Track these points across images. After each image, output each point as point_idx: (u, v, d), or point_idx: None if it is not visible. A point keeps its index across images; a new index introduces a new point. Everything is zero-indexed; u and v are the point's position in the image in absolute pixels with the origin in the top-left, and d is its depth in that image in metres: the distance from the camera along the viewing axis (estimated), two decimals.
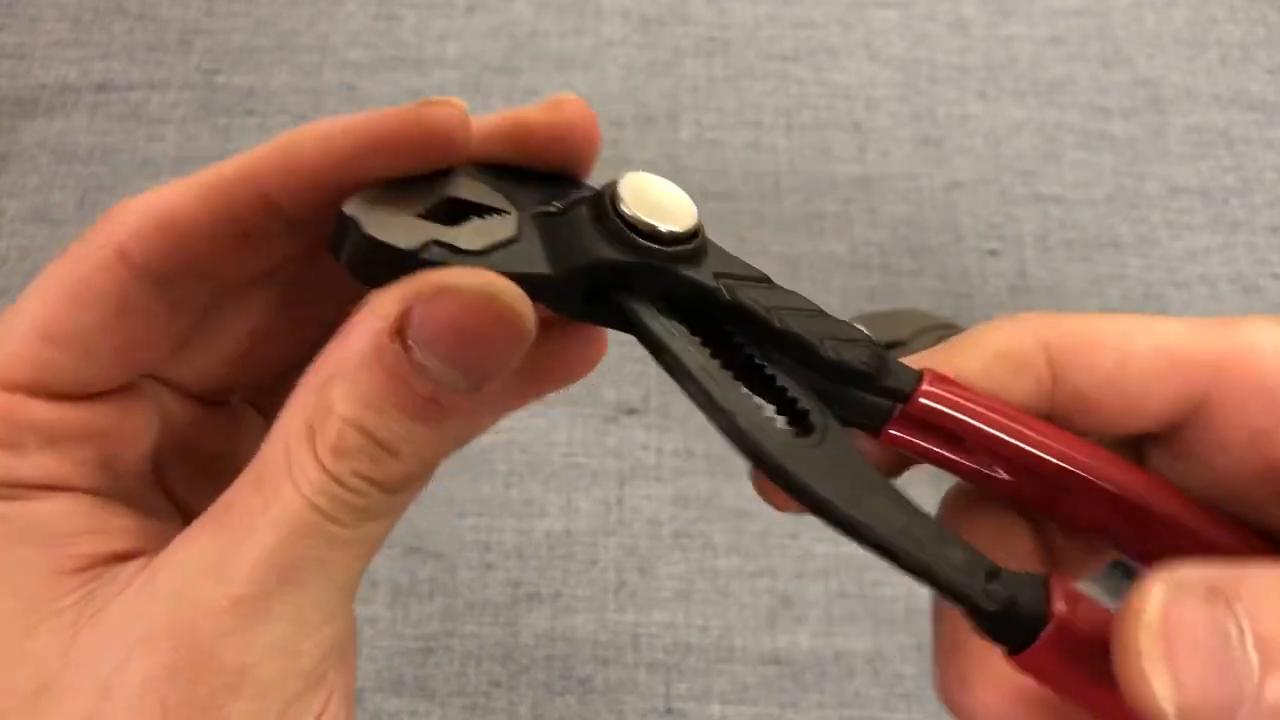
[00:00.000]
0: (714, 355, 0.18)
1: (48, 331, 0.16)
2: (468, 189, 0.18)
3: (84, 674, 0.15)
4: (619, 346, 0.42)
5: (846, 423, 0.18)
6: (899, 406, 0.18)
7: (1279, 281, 0.43)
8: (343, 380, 0.15)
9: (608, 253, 0.18)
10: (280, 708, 0.15)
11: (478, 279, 0.15)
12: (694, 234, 0.18)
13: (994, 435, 0.18)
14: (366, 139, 0.16)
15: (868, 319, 0.40)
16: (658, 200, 0.18)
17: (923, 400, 0.18)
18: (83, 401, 0.17)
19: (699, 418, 0.41)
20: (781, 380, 0.18)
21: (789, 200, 0.43)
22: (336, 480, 0.15)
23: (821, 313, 0.19)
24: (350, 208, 0.17)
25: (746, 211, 0.43)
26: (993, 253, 0.43)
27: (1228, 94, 0.47)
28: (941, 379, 0.18)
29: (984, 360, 0.18)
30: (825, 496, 0.17)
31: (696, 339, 0.18)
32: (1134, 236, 0.43)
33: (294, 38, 0.47)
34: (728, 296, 0.18)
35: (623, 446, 0.38)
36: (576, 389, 0.39)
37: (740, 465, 0.38)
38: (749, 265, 0.19)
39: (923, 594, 0.36)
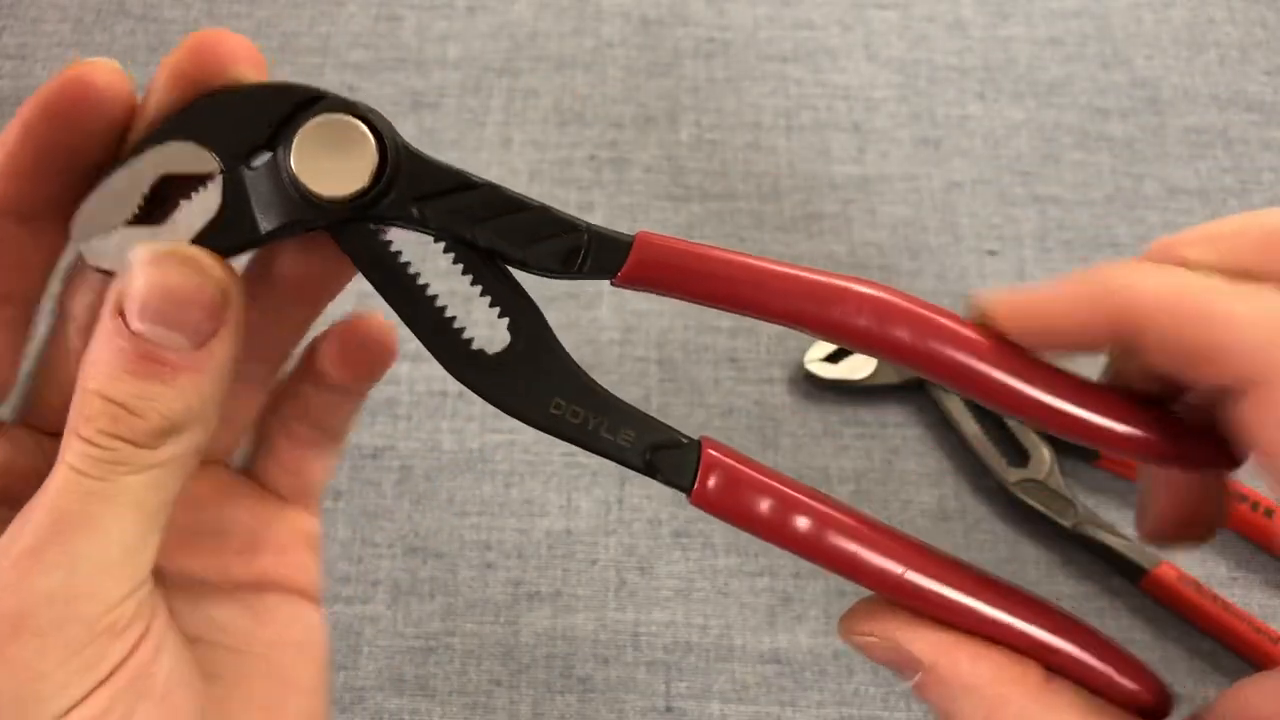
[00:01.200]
0: (400, 285, 0.21)
1: None
2: (177, 157, 0.19)
3: None
4: (619, 347, 0.42)
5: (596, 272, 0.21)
6: (613, 276, 0.21)
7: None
8: (89, 363, 0.18)
9: (286, 212, 0.19)
10: (62, 652, 0.17)
11: (161, 249, 0.18)
12: (368, 189, 0.20)
13: (699, 284, 0.21)
14: (32, 136, 0.19)
15: None
16: (326, 161, 0.19)
17: (629, 271, 0.21)
18: None
19: (700, 417, 0.41)
20: (494, 295, 0.21)
21: (788, 200, 0.44)
22: (87, 441, 0.17)
23: (519, 206, 0.21)
24: (75, 232, 0.19)
25: (746, 212, 0.43)
26: (992, 253, 0.43)
27: (1226, 95, 0.47)
28: (653, 248, 0.21)
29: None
30: (512, 406, 0.21)
31: (403, 264, 0.21)
32: (1132, 237, 0.43)
33: (295, 39, 0.47)
34: (427, 225, 0.20)
35: None
36: None
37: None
38: (450, 172, 0.20)
39: None
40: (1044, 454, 0.37)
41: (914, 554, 0.21)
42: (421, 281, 0.21)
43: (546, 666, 0.34)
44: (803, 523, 0.21)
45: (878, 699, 0.34)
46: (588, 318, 0.40)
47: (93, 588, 0.18)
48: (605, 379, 0.40)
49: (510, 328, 0.21)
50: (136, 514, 0.18)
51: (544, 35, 0.47)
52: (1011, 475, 0.37)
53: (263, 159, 0.20)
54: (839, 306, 0.20)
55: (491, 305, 0.21)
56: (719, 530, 0.37)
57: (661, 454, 0.21)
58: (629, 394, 0.39)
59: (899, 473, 0.38)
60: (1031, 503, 0.37)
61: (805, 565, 0.36)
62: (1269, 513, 0.36)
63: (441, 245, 0.21)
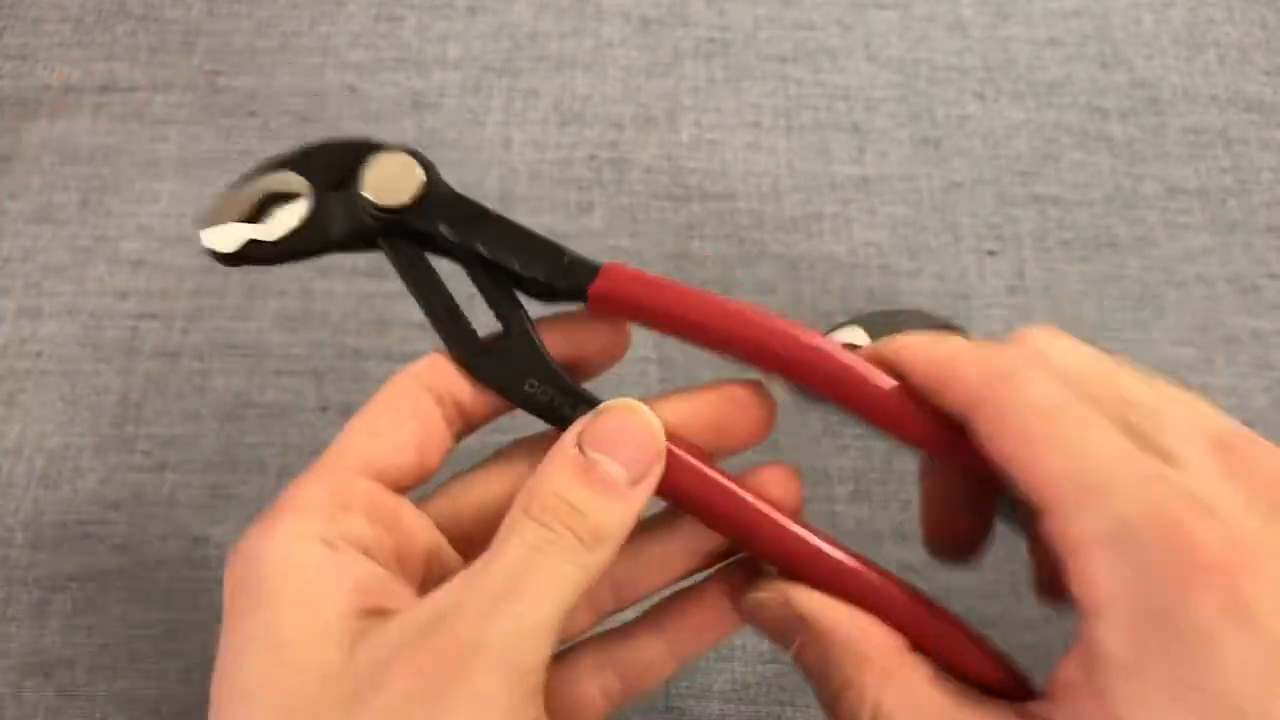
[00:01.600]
0: (431, 285, 0.27)
1: (372, 428, 0.25)
2: (280, 181, 0.27)
3: (359, 668, 0.21)
4: None
5: (571, 296, 0.27)
6: (585, 298, 0.26)
7: (1276, 281, 0.43)
8: (545, 474, 0.23)
9: (352, 223, 0.27)
10: (514, 679, 0.21)
11: (618, 403, 0.25)
12: (413, 204, 0.26)
13: (662, 319, 0.26)
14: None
15: (867, 319, 0.40)
16: (386, 181, 0.26)
17: (594, 297, 0.26)
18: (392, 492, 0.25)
19: None
20: (490, 298, 0.27)
21: (788, 200, 0.44)
22: (545, 526, 0.22)
23: (529, 236, 0.27)
24: (198, 223, 0.27)
25: (746, 212, 0.43)
26: (991, 253, 0.43)
27: (1225, 95, 0.47)
28: (616, 273, 0.26)
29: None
30: (496, 381, 0.26)
31: (433, 270, 0.27)
32: (1132, 237, 0.43)
33: (296, 39, 0.47)
34: (449, 238, 0.26)
35: None
36: None
37: (739, 465, 0.38)
38: (476, 205, 0.27)
39: (922, 591, 0.37)
40: None
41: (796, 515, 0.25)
42: (440, 285, 0.27)
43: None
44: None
45: None
46: None
47: (530, 645, 0.21)
48: (605, 379, 0.40)
49: (501, 322, 0.26)
50: (563, 597, 0.22)
51: (544, 35, 0.47)
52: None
53: (341, 190, 0.27)
54: (772, 350, 0.26)
55: (490, 305, 0.26)
56: None
57: None
58: (629, 394, 0.39)
59: (899, 472, 0.38)
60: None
61: None
62: None
63: (459, 265, 0.27)
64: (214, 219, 0.27)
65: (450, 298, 0.26)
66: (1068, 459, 0.22)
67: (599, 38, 0.48)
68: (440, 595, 0.22)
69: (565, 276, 0.26)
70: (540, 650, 0.21)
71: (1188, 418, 0.23)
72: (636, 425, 0.24)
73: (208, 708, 0.21)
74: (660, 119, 0.45)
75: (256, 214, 0.27)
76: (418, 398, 0.25)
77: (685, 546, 0.27)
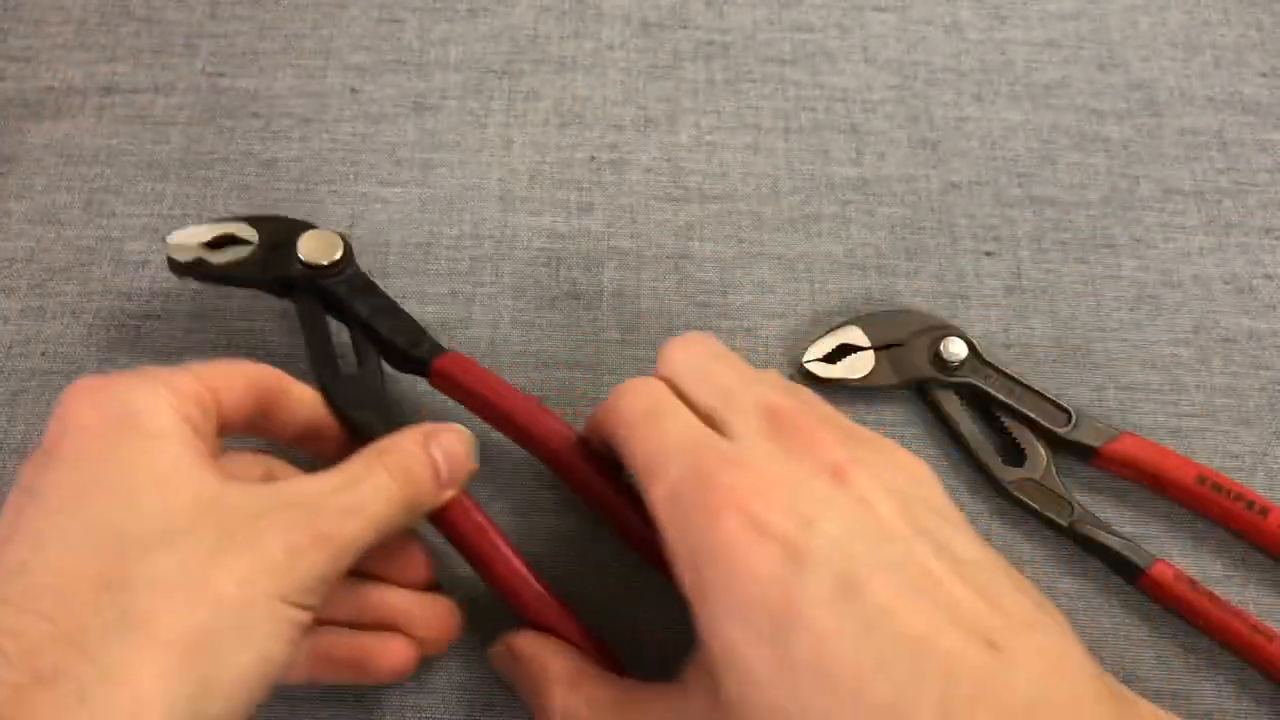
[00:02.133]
0: (320, 330, 0.35)
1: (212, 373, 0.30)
2: (238, 229, 0.37)
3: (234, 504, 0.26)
4: (621, 348, 0.42)
5: (415, 368, 0.36)
6: (429, 371, 0.35)
7: (1272, 282, 0.43)
8: (402, 439, 0.31)
9: (279, 272, 0.36)
10: (329, 553, 0.27)
11: (460, 432, 0.32)
12: (330, 265, 0.36)
13: (482, 405, 0.35)
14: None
15: (865, 319, 0.40)
16: (316, 246, 0.36)
17: (434, 374, 0.35)
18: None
19: None
20: (361, 344, 0.35)
21: (787, 201, 0.44)
22: (385, 469, 0.29)
23: (401, 315, 0.36)
24: (167, 244, 0.37)
25: (745, 213, 0.44)
26: (989, 254, 0.43)
27: (1222, 96, 0.48)
28: (454, 362, 0.35)
29: None
30: (340, 407, 0.33)
31: (328, 316, 0.36)
32: (1128, 238, 0.44)
33: (298, 41, 0.47)
34: (342, 299, 0.36)
35: None
36: (576, 392, 0.39)
37: None
38: (371, 282, 0.36)
39: None
40: (1040, 453, 0.38)
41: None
42: (326, 332, 0.35)
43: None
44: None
45: None
46: (588, 318, 0.41)
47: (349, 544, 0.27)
48: (605, 379, 0.40)
49: (359, 367, 0.35)
50: (379, 516, 0.28)
51: (544, 38, 0.48)
52: (1008, 474, 0.37)
53: (278, 249, 0.36)
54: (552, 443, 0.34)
55: (355, 353, 0.35)
56: None
57: None
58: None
59: None
60: (1028, 501, 0.37)
61: None
62: (1264, 511, 0.36)
63: (343, 324, 0.36)
64: (179, 243, 0.36)
65: (330, 342, 0.35)
66: (647, 446, 0.29)
67: (599, 40, 0.48)
68: (299, 480, 0.29)
69: (419, 350, 0.35)
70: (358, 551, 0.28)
71: (754, 395, 0.29)
72: (466, 448, 0.32)
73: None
74: (660, 120, 0.46)
75: (213, 245, 0.37)
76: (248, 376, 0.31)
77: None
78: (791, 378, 0.39)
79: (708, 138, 0.45)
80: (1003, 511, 0.38)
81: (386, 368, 0.36)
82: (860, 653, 0.23)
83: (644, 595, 0.36)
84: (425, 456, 0.30)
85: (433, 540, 0.33)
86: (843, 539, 0.25)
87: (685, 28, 0.48)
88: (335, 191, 0.43)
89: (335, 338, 0.35)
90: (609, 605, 0.35)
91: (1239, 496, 0.36)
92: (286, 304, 0.37)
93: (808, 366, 0.39)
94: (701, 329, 0.41)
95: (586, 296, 0.41)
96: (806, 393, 0.31)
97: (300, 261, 0.35)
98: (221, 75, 0.46)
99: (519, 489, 0.37)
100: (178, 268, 0.36)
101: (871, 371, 0.39)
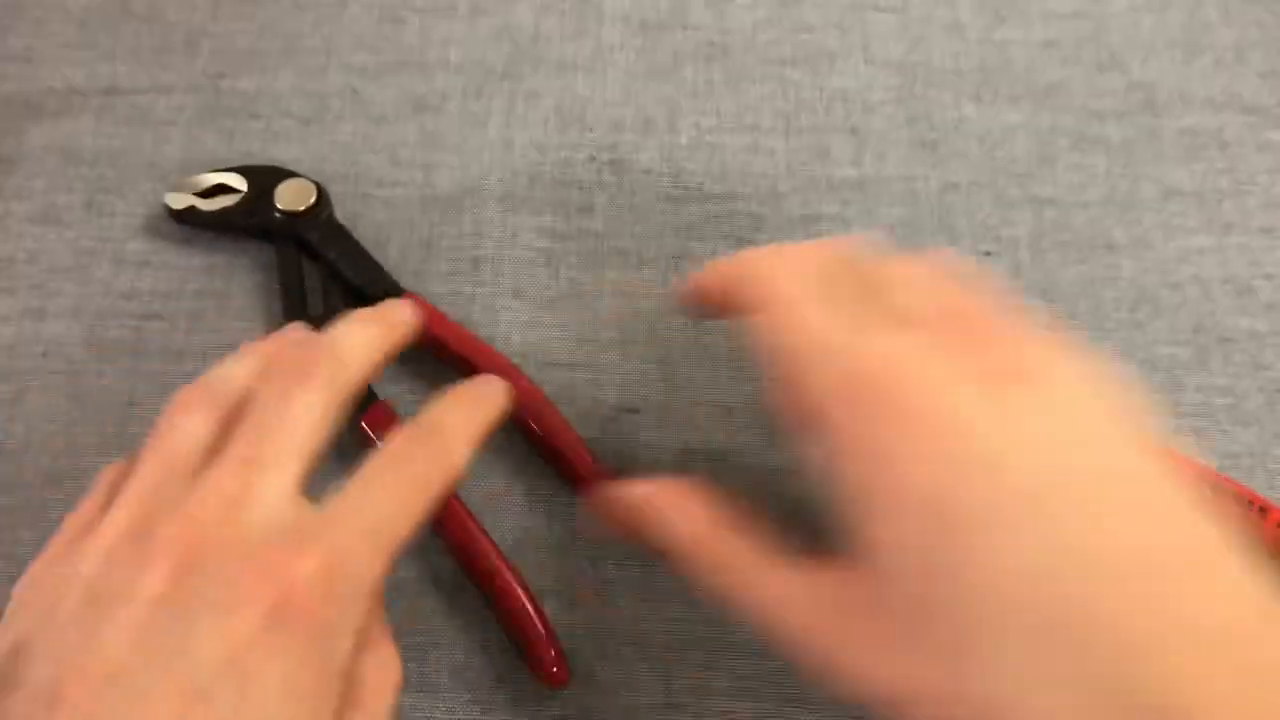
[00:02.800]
0: (292, 273, 0.40)
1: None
2: (229, 178, 0.41)
3: None
4: (620, 347, 0.42)
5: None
6: None
7: (1271, 282, 0.43)
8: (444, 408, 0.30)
9: (262, 217, 0.40)
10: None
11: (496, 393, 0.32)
12: (305, 211, 0.40)
13: (437, 346, 0.38)
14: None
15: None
16: (292, 195, 0.40)
17: None
18: None
19: (699, 417, 0.41)
20: (328, 287, 0.40)
21: (787, 202, 0.44)
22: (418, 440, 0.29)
23: (368, 259, 0.40)
24: (167, 194, 0.41)
25: (745, 213, 0.44)
26: (988, 254, 0.43)
27: (1221, 97, 0.48)
28: (413, 301, 0.38)
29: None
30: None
31: (300, 267, 0.40)
32: (1128, 238, 0.44)
33: (299, 41, 0.47)
34: (314, 244, 0.40)
35: (623, 446, 0.38)
36: (576, 390, 0.39)
37: (738, 464, 0.39)
38: (344, 229, 0.41)
39: None
40: None
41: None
42: (300, 277, 0.40)
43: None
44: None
45: None
46: (588, 318, 0.41)
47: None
48: (605, 379, 0.40)
49: (325, 307, 0.39)
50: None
51: (545, 38, 0.48)
52: None
53: (264, 197, 0.41)
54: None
55: (323, 295, 0.39)
56: None
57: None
58: (629, 394, 0.39)
59: None
60: None
61: None
62: (1264, 511, 0.36)
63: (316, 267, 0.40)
64: (176, 188, 0.41)
65: (301, 285, 0.39)
66: (797, 336, 0.27)
67: (600, 41, 0.48)
68: None
69: (380, 293, 0.39)
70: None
71: (918, 292, 0.28)
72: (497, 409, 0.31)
73: None
74: (660, 121, 0.46)
75: (206, 194, 0.41)
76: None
77: None
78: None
79: (708, 138, 0.45)
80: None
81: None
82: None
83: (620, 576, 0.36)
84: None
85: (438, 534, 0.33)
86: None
87: (685, 28, 0.48)
88: (335, 192, 0.43)
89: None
90: (554, 565, 0.35)
91: (1238, 497, 0.36)
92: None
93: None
94: (701, 329, 0.41)
95: (586, 296, 0.41)
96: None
97: (277, 209, 0.40)
98: (222, 75, 0.46)
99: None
100: (173, 215, 0.41)
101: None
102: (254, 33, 0.47)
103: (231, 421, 0.27)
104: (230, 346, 0.39)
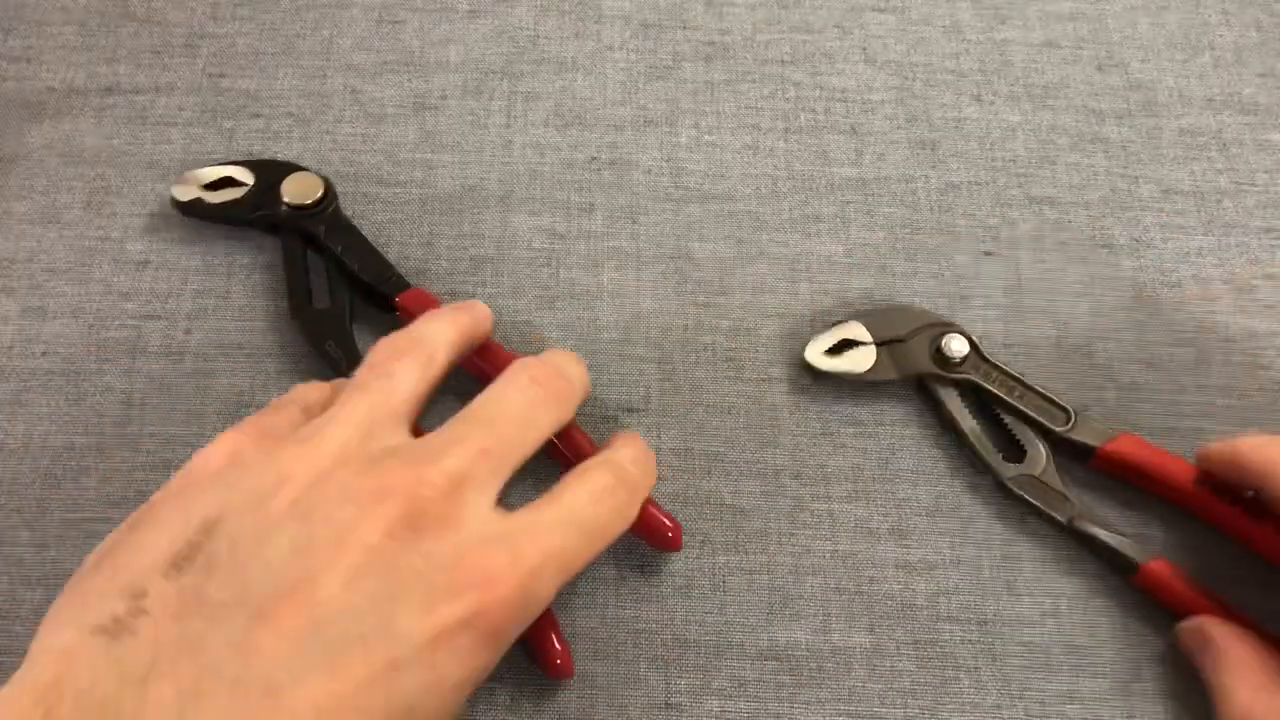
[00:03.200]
0: (298, 266, 0.40)
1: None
2: (236, 172, 0.41)
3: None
4: (619, 346, 0.42)
5: (381, 303, 0.39)
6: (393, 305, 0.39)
7: (1271, 282, 0.43)
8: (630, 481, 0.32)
9: (269, 210, 0.41)
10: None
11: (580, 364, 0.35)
12: (312, 205, 0.40)
13: None
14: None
15: (867, 314, 0.40)
16: (299, 188, 0.40)
17: (398, 308, 0.39)
18: None
19: (699, 417, 0.41)
20: (334, 280, 0.40)
21: (786, 202, 0.44)
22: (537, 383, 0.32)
23: (373, 253, 0.40)
24: (174, 186, 0.41)
25: (744, 213, 0.44)
26: (988, 254, 0.43)
27: (1221, 97, 0.48)
28: (415, 298, 0.39)
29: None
30: (309, 337, 0.38)
31: (305, 259, 0.40)
32: (1127, 238, 0.44)
33: (298, 41, 0.47)
34: (320, 238, 0.40)
35: None
36: None
37: (738, 464, 0.39)
38: (349, 222, 0.41)
39: (919, 589, 0.37)
40: (1041, 451, 0.38)
41: None
42: (305, 269, 0.40)
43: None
44: None
45: (875, 695, 0.35)
46: (588, 318, 0.41)
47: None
48: (604, 378, 0.40)
49: (331, 300, 0.39)
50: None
51: (545, 38, 0.48)
52: (1009, 471, 0.37)
53: (270, 190, 0.41)
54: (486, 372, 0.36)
55: (329, 287, 0.39)
56: (718, 528, 0.37)
57: None
58: (629, 394, 0.39)
59: (896, 471, 0.38)
60: (1028, 498, 0.37)
61: (804, 563, 0.37)
62: (1261, 514, 0.36)
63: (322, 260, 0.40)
64: (183, 185, 0.41)
65: (306, 278, 0.39)
66: None
67: (599, 41, 0.48)
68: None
69: (384, 285, 0.39)
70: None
71: None
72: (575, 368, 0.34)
73: None
74: (660, 121, 0.46)
75: (212, 186, 0.41)
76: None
77: None
78: (791, 378, 0.40)
79: (708, 138, 0.45)
80: (1002, 510, 0.38)
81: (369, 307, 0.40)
82: None
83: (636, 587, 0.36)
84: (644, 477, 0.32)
85: None
86: None
87: (685, 28, 0.48)
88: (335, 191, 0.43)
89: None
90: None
91: (1236, 499, 0.36)
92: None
93: (809, 360, 0.39)
94: (701, 329, 0.41)
95: (585, 297, 0.41)
96: None
97: (283, 202, 0.40)
98: (222, 75, 0.46)
99: None
100: (179, 206, 0.41)
101: (873, 366, 0.39)
102: (254, 33, 0.47)
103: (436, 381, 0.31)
104: (231, 346, 0.40)
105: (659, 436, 0.39)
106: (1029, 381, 0.39)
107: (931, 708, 0.35)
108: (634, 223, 0.43)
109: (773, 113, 0.46)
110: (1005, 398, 0.39)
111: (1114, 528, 0.37)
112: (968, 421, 0.38)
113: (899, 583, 0.36)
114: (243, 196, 0.41)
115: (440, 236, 0.42)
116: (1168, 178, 0.45)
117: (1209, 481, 0.36)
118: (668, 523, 0.35)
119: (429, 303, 0.38)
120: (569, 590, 0.36)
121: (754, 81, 0.47)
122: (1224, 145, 0.46)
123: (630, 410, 0.39)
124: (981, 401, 0.39)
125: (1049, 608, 0.36)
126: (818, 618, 0.36)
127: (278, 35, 0.47)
